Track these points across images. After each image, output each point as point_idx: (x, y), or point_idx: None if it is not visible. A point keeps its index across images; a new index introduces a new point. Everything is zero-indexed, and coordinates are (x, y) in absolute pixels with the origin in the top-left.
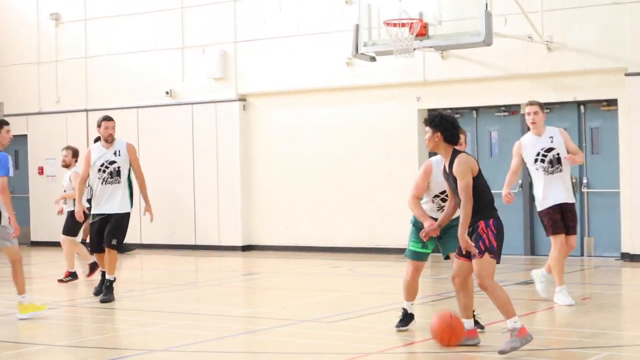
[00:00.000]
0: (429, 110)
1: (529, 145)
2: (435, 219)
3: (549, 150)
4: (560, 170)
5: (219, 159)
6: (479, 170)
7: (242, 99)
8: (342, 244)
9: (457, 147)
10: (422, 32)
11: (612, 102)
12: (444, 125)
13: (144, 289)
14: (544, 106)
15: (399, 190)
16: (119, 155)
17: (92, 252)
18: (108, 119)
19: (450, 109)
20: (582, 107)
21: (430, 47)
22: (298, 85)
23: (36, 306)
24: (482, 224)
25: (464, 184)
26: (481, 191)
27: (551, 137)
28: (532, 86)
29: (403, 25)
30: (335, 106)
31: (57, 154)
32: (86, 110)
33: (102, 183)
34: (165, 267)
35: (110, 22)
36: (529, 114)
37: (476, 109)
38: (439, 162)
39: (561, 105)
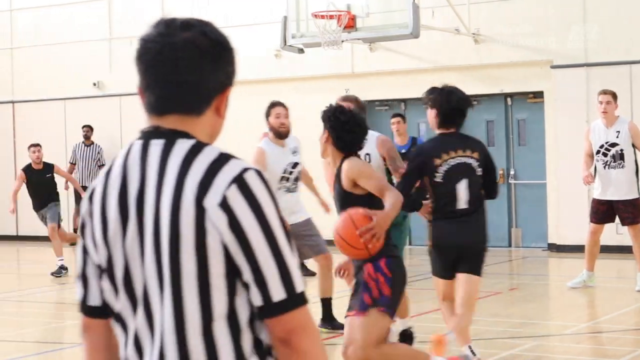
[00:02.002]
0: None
1: (596, 134)
2: None
3: (613, 145)
4: (622, 167)
5: None
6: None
7: None
8: None
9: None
10: (350, 24)
11: (539, 94)
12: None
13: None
14: (616, 95)
15: (326, 183)
16: None
17: None
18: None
19: (379, 100)
20: (509, 99)
21: (358, 39)
22: None
23: None
24: (369, 267)
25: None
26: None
27: (618, 131)
28: (459, 78)
29: (331, 17)
30: (264, 98)
31: None
32: (12, 102)
33: None
34: None
35: (37, 13)
36: (600, 102)
37: (404, 100)
38: None
39: (488, 97)
